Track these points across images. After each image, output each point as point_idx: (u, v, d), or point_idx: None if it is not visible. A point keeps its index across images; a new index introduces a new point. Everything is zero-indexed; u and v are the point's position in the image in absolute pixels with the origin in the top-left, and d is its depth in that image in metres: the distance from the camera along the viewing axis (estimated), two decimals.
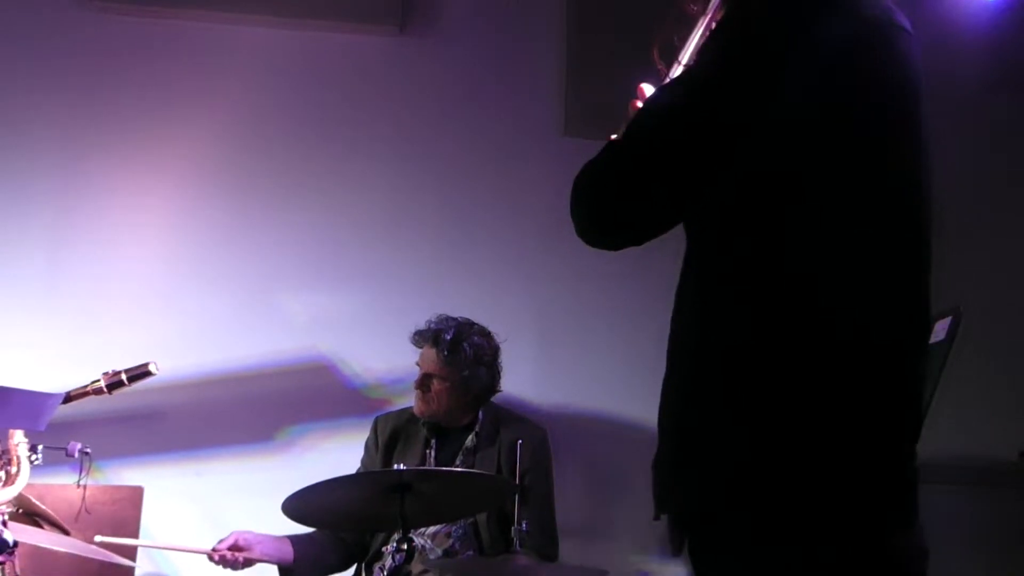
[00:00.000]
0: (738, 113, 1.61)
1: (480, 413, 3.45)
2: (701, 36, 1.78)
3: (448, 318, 3.44)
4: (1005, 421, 3.92)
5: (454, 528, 3.30)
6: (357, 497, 2.97)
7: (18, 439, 2.63)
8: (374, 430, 3.52)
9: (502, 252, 4.02)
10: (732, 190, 1.62)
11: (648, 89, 1.84)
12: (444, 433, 3.43)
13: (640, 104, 1.83)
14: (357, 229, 3.98)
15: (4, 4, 3.93)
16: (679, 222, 1.70)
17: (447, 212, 4.04)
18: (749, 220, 1.62)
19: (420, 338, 3.43)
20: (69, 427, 3.10)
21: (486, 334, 3.45)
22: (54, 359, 3.66)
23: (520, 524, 3.02)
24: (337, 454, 3.65)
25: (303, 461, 3.74)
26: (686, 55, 1.79)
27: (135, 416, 3.68)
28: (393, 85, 4.07)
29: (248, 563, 3.17)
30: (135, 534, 3.31)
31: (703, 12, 1.79)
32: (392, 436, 3.47)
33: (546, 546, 3.32)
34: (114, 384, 2.92)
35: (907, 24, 1.71)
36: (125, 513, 3.32)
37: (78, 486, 2.95)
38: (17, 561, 2.53)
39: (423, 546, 3.25)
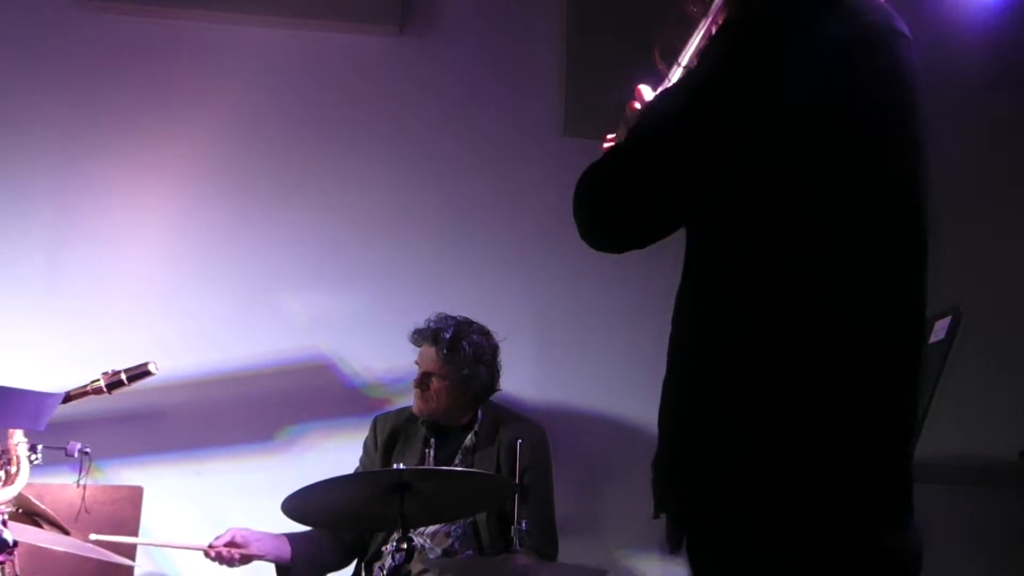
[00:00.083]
0: (739, 114, 1.61)
1: (479, 412, 3.45)
2: (702, 38, 1.78)
3: (447, 317, 3.44)
4: (1005, 421, 3.92)
5: (453, 528, 3.30)
6: (357, 497, 2.97)
7: (18, 439, 2.63)
8: (373, 429, 3.52)
9: (502, 252, 4.02)
10: (732, 191, 1.62)
11: (646, 90, 1.85)
12: (443, 432, 3.43)
13: (638, 105, 1.84)
14: (357, 229, 3.98)
15: (4, 4, 3.94)
16: (682, 225, 1.70)
17: (447, 212, 4.04)
18: (749, 221, 1.62)
19: (419, 337, 3.43)
20: (69, 427, 3.10)
21: (485, 333, 3.46)
22: (54, 359, 3.66)
23: (520, 523, 3.02)
24: (337, 454, 3.65)
25: (303, 461, 3.74)
26: (686, 57, 1.79)
27: (135, 416, 3.69)
28: (393, 85, 4.07)
29: (245, 560, 3.16)
30: (134, 534, 3.31)
31: (704, 14, 1.79)
32: (391, 436, 3.47)
33: (545, 545, 3.32)
34: (114, 384, 2.92)
35: (906, 30, 1.71)
36: (125, 513, 3.32)
37: (78, 486, 2.95)
38: (17, 561, 2.53)
39: (423, 545, 3.25)
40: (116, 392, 2.94)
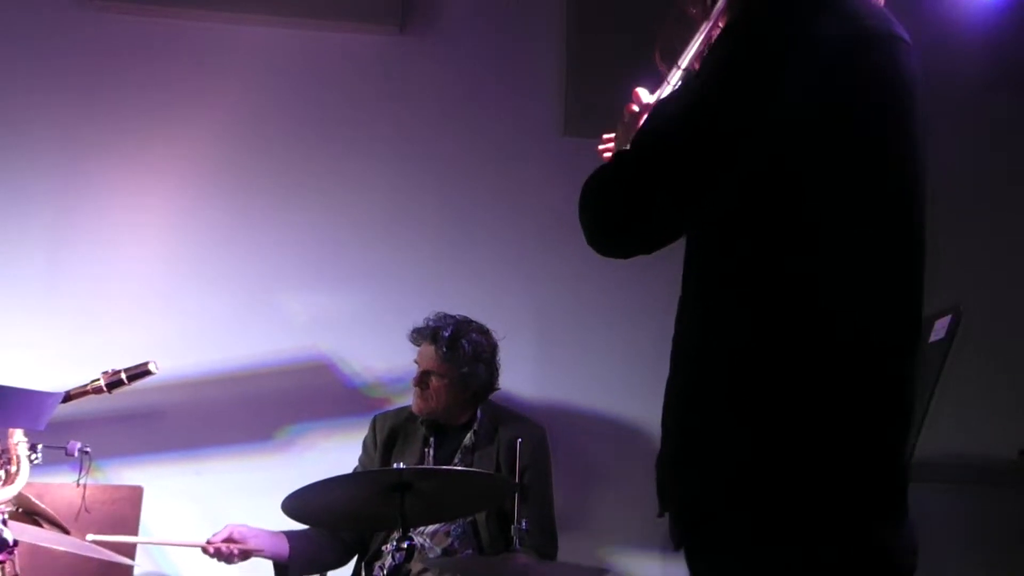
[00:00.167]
0: (739, 116, 1.61)
1: (478, 411, 3.45)
2: (702, 41, 1.78)
3: (446, 315, 3.45)
4: (1005, 420, 3.92)
5: (453, 527, 3.30)
6: (357, 496, 2.97)
7: (18, 438, 2.63)
8: (372, 429, 3.52)
9: (502, 252, 4.02)
10: (733, 192, 1.62)
11: (643, 93, 1.85)
12: (443, 431, 3.43)
13: (635, 107, 1.84)
14: (357, 229, 3.98)
15: (4, 4, 3.93)
16: (687, 229, 1.71)
17: (447, 212, 4.04)
18: (749, 221, 1.62)
19: (418, 335, 3.43)
20: (69, 426, 3.10)
21: (484, 331, 3.46)
22: (54, 359, 3.66)
23: (520, 522, 3.02)
24: (337, 453, 3.65)
25: (303, 460, 3.74)
26: (686, 59, 1.80)
27: (135, 415, 3.69)
28: (393, 85, 4.07)
29: (243, 556, 3.16)
30: (134, 533, 3.31)
31: (705, 16, 1.79)
32: (390, 435, 3.47)
33: (545, 544, 3.32)
34: (114, 383, 2.92)
35: (906, 35, 1.72)
36: (124, 512, 3.32)
37: (78, 485, 2.95)
38: (17, 560, 2.53)
39: (422, 545, 3.25)
40: (116, 391, 2.94)
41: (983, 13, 4.02)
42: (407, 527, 2.90)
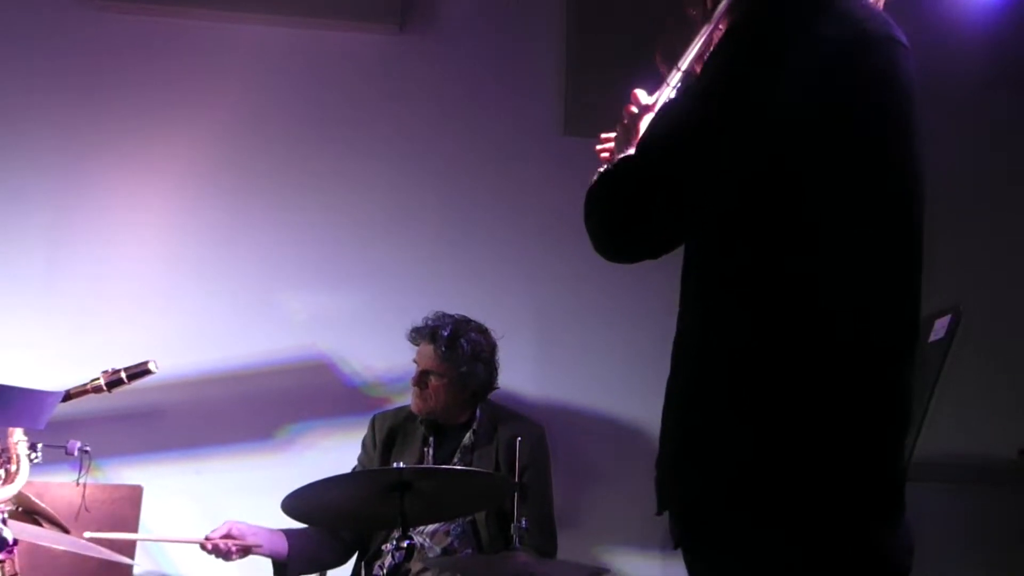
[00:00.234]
0: (740, 116, 1.61)
1: (478, 411, 3.45)
2: (703, 43, 1.78)
3: (445, 315, 3.44)
4: (1005, 420, 3.92)
5: (453, 526, 3.30)
6: (356, 495, 2.97)
7: (18, 437, 2.63)
8: (371, 428, 3.52)
9: (502, 252, 4.03)
10: (733, 192, 1.62)
11: (642, 94, 1.85)
12: (442, 431, 3.43)
13: (634, 109, 1.84)
14: (357, 228, 3.98)
15: (4, 4, 3.94)
16: (691, 231, 1.70)
17: (447, 212, 4.04)
18: (750, 222, 1.63)
19: (417, 335, 3.43)
20: (69, 425, 3.10)
21: (483, 330, 3.46)
22: (54, 358, 3.66)
23: (519, 521, 3.02)
24: (337, 452, 3.65)
25: (303, 459, 3.74)
26: (686, 61, 1.80)
27: (135, 415, 3.69)
28: (393, 84, 4.07)
29: (242, 553, 3.16)
30: (134, 532, 3.31)
31: (705, 19, 1.79)
32: (390, 434, 3.47)
33: (545, 543, 3.32)
34: (113, 382, 2.92)
35: (904, 39, 1.72)
36: (124, 511, 3.32)
37: (77, 484, 2.95)
38: (16, 559, 2.53)
39: (422, 544, 3.25)
40: (116, 391, 2.94)
41: (982, 11, 4.02)
42: (407, 526, 2.90)
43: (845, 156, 1.62)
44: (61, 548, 2.83)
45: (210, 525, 3.21)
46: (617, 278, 3.80)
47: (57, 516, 2.88)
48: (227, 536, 3.14)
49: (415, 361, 3.43)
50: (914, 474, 1.69)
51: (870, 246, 1.63)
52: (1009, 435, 3.88)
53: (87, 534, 2.91)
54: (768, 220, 1.62)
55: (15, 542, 2.43)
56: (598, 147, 1.93)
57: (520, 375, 3.76)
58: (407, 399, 3.49)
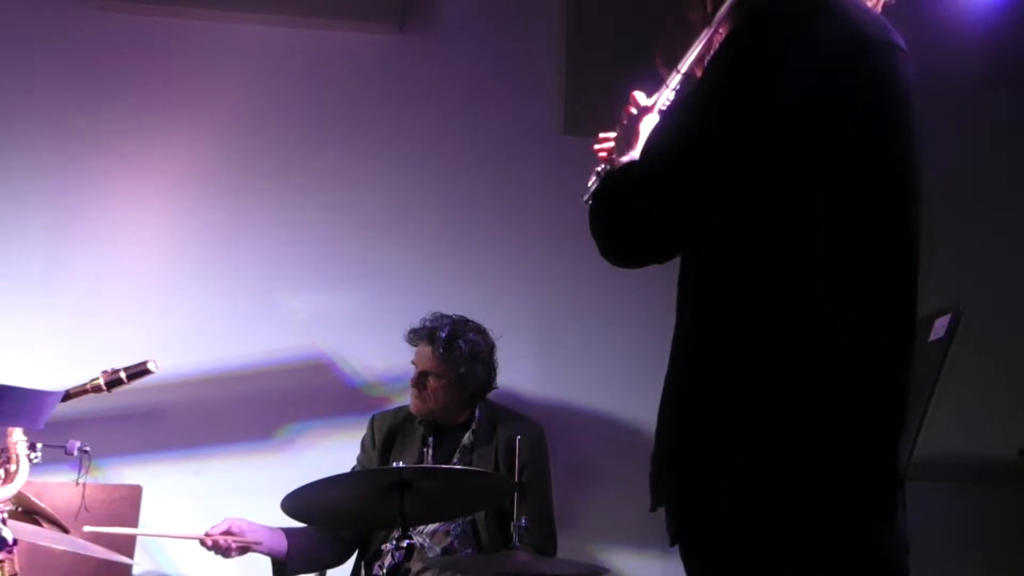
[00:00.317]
0: (740, 117, 1.61)
1: (477, 411, 3.45)
2: (703, 46, 1.78)
3: (443, 316, 3.44)
4: (1005, 419, 3.92)
5: (452, 526, 3.30)
6: (356, 495, 2.97)
7: (17, 437, 2.63)
8: (371, 428, 3.52)
9: (502, 252, 4.03)
10: (733, 193, 1.62)
11: (640, 96, 1.85)
12: (441, 431, 3.43)
13: (633, 110, 1.84)
14: (357, 228, 3.98)
15: (4, 4, 3.94)
16: (695, 233, 1.70)
17: (447, 212, 4.04)
18: (750, 221, 1.63)
19: (415, 336, 3.43)
20: (68, 425, 3.10)
21: (481, 331, 3.45)
22: (54, 358, 3.67)
23: (519, 520, 3.02)
24: (336, 452, 3.64)
25: (302, 459, 3.74)
26: (686, 64, 1.80)
27: (134, 414, 3.69)
28: (393, 84, 4.07)
29: (241, 551, 3.16)
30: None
31: (706, 23, 1.79)
32: (389, 434, 3.47)
33: (545, 542, 3.32)
34: (113, 382, 2.91)
35: (903, 44, 1.73)
36: (124, 511, 3.32)
37: (77, 484, 2.95)
38: (16, 559, 2.53)
39: (422, 544, 3.25)
40: (115, 390, 2.94)
41: (982, 11, 4.02)
42: (406, 526, 2.90)
43: (845, 156, 1.62)
44: (60, 548, 2.82)
45: (210, 525, 3.20)
46: (617, 278, 3.78)
47: (57, 516, 2.88)
48: (227, 533, 3.14)
49: (413, 362, 3.43)
50: (914, 474, 1.69)
51: (869, 246, 1.63)
52: (1009, 435, 3.88)
53: (86, 528, 2.92)
54: (768, 220, 1.62)
55: (15, 542, 2.44)
56: (596, 147, 1.93)
57: (520, 375, 3.76)
58: (407, 399, 3.49)
